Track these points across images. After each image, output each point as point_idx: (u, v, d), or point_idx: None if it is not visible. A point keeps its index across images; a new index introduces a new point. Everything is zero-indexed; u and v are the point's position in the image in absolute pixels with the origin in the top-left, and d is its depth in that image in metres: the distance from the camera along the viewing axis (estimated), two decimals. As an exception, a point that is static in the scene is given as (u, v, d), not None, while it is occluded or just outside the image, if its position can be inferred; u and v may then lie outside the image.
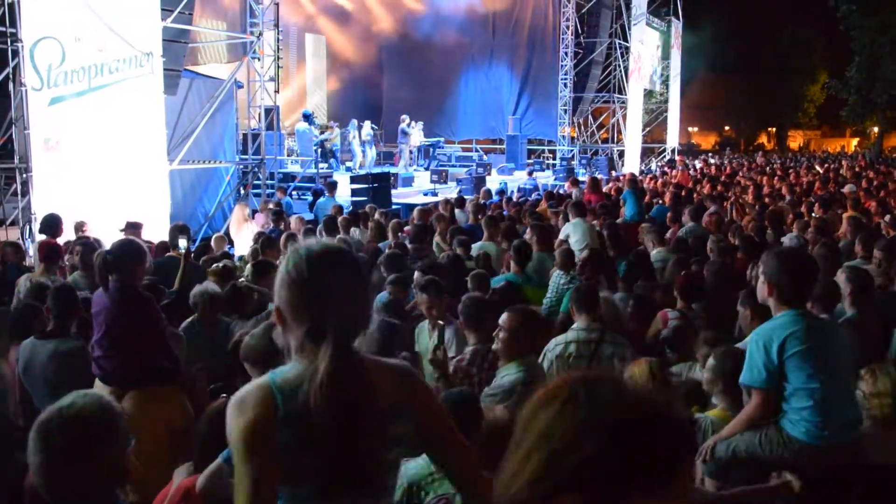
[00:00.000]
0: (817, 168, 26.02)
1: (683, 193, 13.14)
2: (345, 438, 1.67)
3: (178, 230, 6.99)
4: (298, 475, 1.71)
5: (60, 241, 7.23)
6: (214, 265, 6.43)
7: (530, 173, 20.54)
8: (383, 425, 1.76)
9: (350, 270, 1.79)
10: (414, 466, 2.57)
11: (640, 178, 19.57)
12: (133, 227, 7.86)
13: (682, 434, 1.01)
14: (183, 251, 5.86)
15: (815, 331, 3.16)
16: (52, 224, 7.39)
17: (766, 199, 12.84)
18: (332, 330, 1.69)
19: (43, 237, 7.26)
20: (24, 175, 8.71)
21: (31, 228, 8.63)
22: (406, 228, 8.53)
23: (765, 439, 3.20)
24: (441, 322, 4.52)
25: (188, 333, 4.86)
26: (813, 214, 10.10)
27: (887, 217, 9.62)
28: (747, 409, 3.24)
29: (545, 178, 21.75)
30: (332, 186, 12.23)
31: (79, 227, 7.86)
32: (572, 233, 7.91)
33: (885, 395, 3.07)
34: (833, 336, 3.27)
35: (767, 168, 26.35)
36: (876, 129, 45.70)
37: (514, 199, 13.44)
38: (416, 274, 5.50)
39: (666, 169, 26.39)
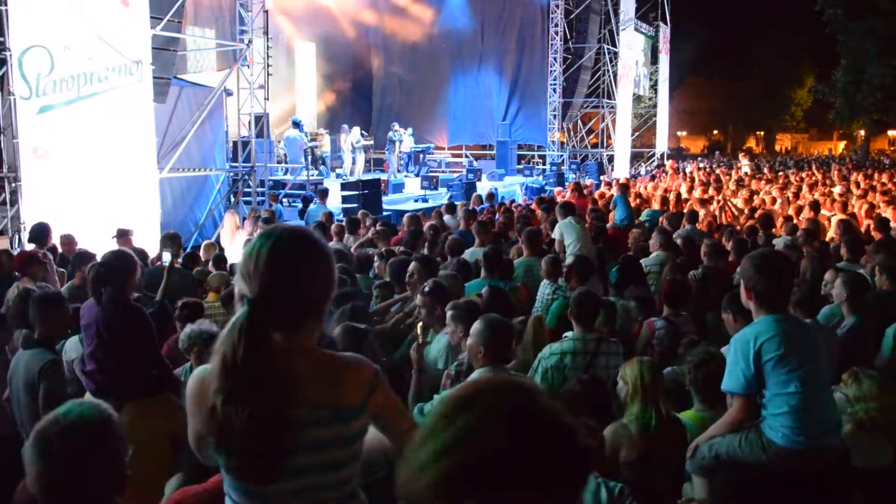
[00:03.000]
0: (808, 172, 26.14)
1: (673, 198, 13.21)
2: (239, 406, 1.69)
3: (168, 239, 6.95)
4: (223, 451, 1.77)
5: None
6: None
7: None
8: (291, 407, 1.74)
9: (303, 256, 1.82)
10: None
11: (633, 182, 19.68)
12: (122, 235, 7.85)
13: (586, 455, 1.05)
14: (167, 264, 5.79)
15: (791, 336, 3.14)
16: (40, 233, 7.34)
17: (756, 202, 12.91)
18: (251, 298, 1.74)
19: (32, 247, 7.21)
20: (13, 184, 8.66)
21: (20, 238, 8.57)
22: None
23: (745, 442, 3.23)
24: (421, 323, 4.45)
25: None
26: (801, 217, 10.17)
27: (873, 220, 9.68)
28: (730, 412, 3.28)
29: (534, 183, 21.83)
30: (324, 193, 12.22)
31: (68, 240, 7.75)
32: (567, 233, 7.81)
33: (869, 398, 3.06)
34: (812, 340, 3.23)
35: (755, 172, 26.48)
36: (862, 132, 46.02)
37: (522, 200, 13.52)
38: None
39: (655, 173, 26.51)
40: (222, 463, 1.81)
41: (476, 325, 3.47)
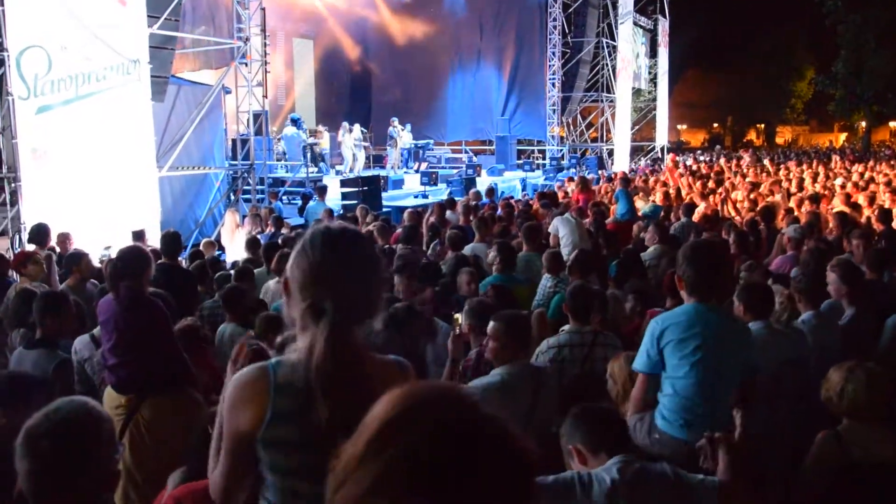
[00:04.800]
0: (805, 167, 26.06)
1: (673, 192, 13.19)
2: (338, 416, 1.65)
3: (169, 238, 6.95)
4: (290, 462, 1.75)
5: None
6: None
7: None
8: None
9: (362, 254, 1.83)
10: None
11: (633, 176, 19.65)
12: (139, 238, 8.03)
13: (533, 467, 0.98)
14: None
15: (699, 323, 3.14)
16: (40, 233, 7.34)
17: (755, 195, 12.87)
18: (331, 307, 1.73)
19: (33, 247, 7.21)
20: (13, 185, 8.65)
21: (20, 238, 8.57)
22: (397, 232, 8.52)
23: (640, 424, 3.28)
24: (458, 315, 4.47)
25: None
26: (803, 210, 10.15)
27: (875, 211, 9.66)
28: (632, 391, 3.36)
29: (535, 179, 21.80)
30: (323, 190, 12.20)
31: (63, 238, 7.77)
32: (560, 227, 7.95)
33: (861, 390, 3.03)
34: (730, 335, 3.23)
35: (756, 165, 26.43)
36: (863, 124, 45.95)
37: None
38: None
39: (656, 167, 26.49)
40: (286, 464, 1.76)
41: (494, 325, 3.48)
